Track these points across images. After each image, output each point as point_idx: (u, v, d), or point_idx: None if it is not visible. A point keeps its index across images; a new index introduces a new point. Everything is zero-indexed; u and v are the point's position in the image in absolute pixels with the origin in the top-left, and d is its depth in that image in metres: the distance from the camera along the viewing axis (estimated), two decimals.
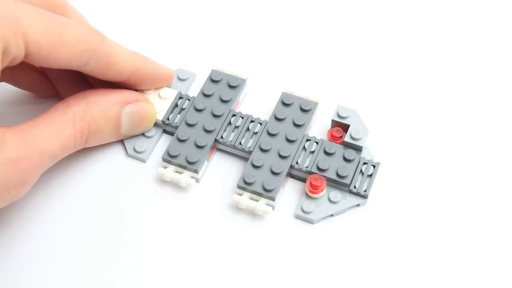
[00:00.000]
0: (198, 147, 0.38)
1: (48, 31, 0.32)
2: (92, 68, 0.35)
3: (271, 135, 0.38)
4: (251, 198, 0.36)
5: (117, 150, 0.39)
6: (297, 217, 0.36)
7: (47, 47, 0.32)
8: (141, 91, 0.39)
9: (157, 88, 0.40)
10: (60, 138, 0.33)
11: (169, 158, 0.37)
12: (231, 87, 0.40)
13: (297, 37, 0.45)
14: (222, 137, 0.38)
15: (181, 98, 0.40)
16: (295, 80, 0.42)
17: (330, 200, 0.36)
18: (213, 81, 0.40)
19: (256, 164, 0.37)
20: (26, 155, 0.32)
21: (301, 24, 0.45)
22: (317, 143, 0.38)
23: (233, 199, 0.36)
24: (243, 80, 0.40)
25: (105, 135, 0.37)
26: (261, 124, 0.39)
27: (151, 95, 0.39)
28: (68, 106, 0.35)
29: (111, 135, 0.37)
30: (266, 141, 0.38)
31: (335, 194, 0.36)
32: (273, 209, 0.37)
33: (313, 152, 0.38)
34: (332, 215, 0.36)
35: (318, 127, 0.40)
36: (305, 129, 0.38)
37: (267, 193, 0.36)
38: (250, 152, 0.38)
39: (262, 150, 0.37)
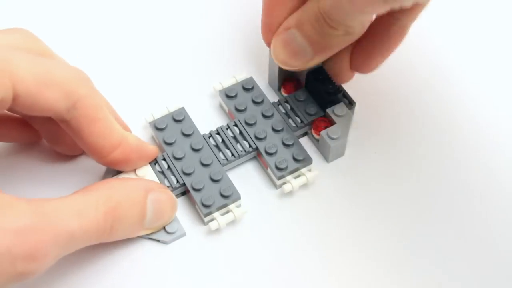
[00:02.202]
0: (215, 181, 0.35)
1: (35, 70, 0.30)
2: (77, 116, 0.32)
3: (249, 124, 0.38)
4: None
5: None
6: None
7: (35, 87, 0.30)
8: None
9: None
10: (81, 216, 0.29)
11: (209, 209, 0.34)
12: (178, 121, 0.38)
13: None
14: (226, 159, 0.37)
15: (163, 159, 0.36)
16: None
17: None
18: (160, 129, 0.37)
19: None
20: (37, 226, 0.28)
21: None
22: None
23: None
24: (182, 109, 0.38)
25: (131, 223, 0.33)
26: (236, 125, 0.38)
27: (129, 177, 0.35)
28: (90, 190, 0.31)
29: (136, 224, 0.33)
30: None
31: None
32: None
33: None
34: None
35: None
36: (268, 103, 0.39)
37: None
38: (255, 149, 0.37)
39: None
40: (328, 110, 0.37)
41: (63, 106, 0.31)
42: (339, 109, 0.37)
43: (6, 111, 0.35)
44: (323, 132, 0.37)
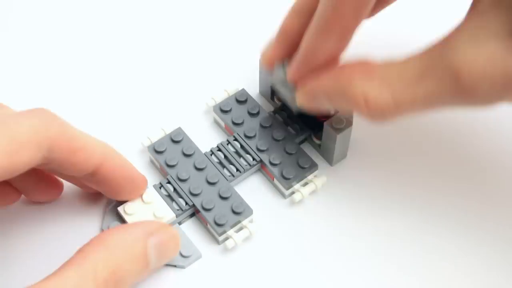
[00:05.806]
0: (225, 198, 0.35)
1: None
2: (57, 157, 0.30)
3: (249, 137, 0.37)
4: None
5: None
6: None
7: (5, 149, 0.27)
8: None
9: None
10: None
11: (222, 228, 0.34)
12: (177, 142, 0.37)
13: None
14: (231, 175, 0.36)
15: (168, 183, 0.36)
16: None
17: None
18: (159, 152, 0.37)
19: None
20: None
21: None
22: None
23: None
24: (179, 129, 0.38)
25: (135, 277, 0.31)
26: (236, 140, 0.37)
27: (136, 205, 0.35)
28: (84, 257, 0.29)
29: (141, 274, 0.32)
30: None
31: None
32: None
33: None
34: None
35: None
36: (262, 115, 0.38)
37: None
38: (259, 161, 0.36)
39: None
40: None
41: (38, 156, 0.29)
42: None
43: None
44: (327, 123, 0.36)
